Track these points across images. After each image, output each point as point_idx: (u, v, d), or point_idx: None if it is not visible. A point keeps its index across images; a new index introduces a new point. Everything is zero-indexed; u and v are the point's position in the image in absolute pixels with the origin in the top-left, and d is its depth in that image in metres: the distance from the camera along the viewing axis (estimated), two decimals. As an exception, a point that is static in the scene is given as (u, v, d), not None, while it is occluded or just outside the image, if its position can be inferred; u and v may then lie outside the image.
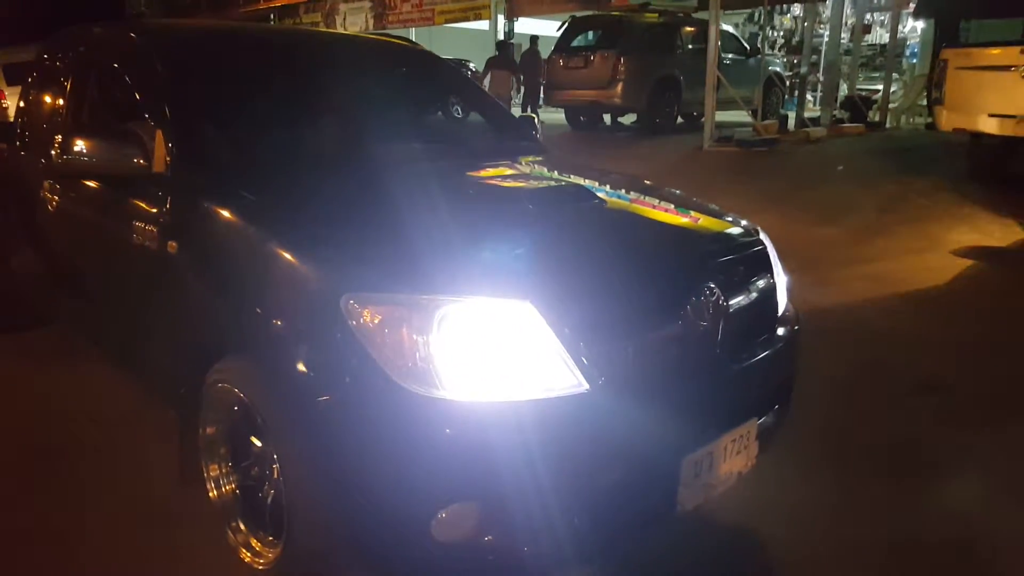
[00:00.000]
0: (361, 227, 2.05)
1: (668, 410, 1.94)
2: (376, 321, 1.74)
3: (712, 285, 2.10)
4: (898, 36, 15.73)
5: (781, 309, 2.45)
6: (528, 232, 2.15)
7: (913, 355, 3.94)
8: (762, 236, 2.51)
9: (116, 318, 2.80)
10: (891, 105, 13.87)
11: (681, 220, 2.41)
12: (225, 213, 2.17)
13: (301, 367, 1.83)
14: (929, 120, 8.69)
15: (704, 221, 2.46)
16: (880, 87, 14.49)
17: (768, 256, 2.46)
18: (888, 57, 14.88)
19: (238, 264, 2.08)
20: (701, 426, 2.04)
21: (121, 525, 2.42)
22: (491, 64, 13.16)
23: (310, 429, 1.81)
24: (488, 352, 1.72)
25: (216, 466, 2.27)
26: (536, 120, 3.67)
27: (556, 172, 2.81)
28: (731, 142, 10.74)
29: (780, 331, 2.41)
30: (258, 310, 1.96)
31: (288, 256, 1.94)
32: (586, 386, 1.77)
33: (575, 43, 13.56)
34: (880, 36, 19.87)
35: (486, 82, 12.56)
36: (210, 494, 2.26)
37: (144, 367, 2.67)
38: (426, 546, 1.72)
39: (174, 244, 2.26)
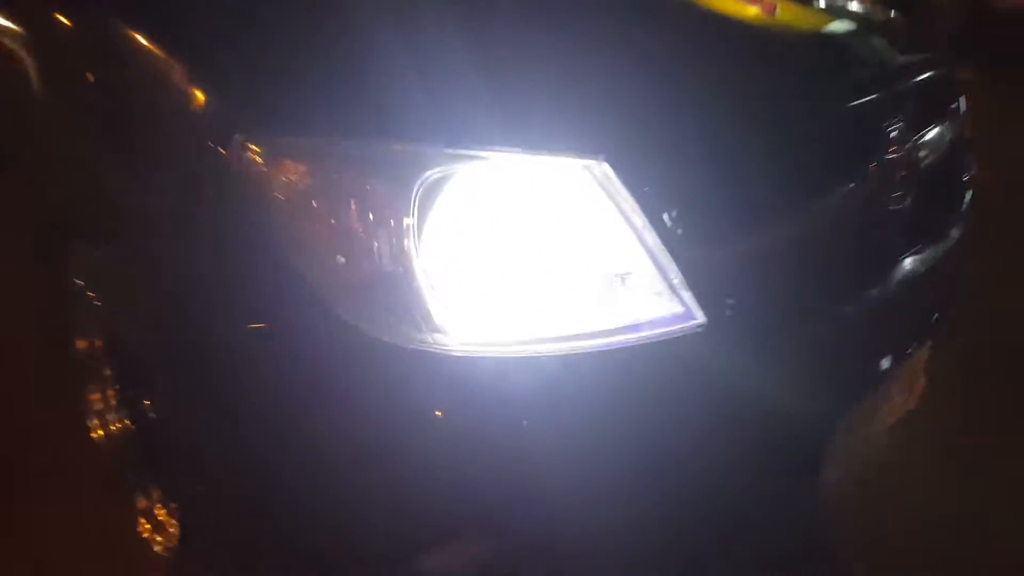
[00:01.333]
0: (302, 29, 1.10)
1: (830, 347, 1.11)
2: (298, 188, 0.88)
3: (901, 127, 1.22)
4: None
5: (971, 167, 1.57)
6: (599, 36, 1.20)
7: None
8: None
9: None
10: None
11: (841, 23, 1.48)
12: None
13: (169, 271, 1.00)
14: None
15: (868, 25, 1.53)
16: None
17: (955, 82, 1.56)
18: None
19: (78, 79, 1.19)
20: (869, 363, 1.23)
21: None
22: None
23: (187, 380, 1.01)
24: (519, 260, 0.87)
25: (99, 394, 1.50)
26: None
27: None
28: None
29: (968, 199, 1.54)
30: (105, 165, 1.10)
31: (158, 69, 1.05)
32: (700, 318, 0.93)
33: None
34: None
35: None
36: (94, 434, 1.51)
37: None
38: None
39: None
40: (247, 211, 0.89)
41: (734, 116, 1.03)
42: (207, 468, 1.06)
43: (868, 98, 1.21)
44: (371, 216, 0.86)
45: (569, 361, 0.87)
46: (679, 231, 0.92)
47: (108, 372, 1.47)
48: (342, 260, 0.86)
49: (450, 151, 0.84)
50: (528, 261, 0.87)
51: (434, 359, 0.84)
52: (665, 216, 0.91)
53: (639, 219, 0.89)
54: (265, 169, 0.89)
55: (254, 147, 0.90)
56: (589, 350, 0.88)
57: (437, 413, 0.85)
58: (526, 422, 0.86)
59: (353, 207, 0.87)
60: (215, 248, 0.93)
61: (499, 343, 0.86)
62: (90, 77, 1.18)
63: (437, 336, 0.84)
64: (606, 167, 0.87)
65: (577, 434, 0.88)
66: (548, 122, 0.90)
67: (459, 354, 0.84)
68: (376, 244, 0.85)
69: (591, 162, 0.87)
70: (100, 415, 1.50)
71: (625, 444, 0.89)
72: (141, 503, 1.44)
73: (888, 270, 1.22)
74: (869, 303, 1.18)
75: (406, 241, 0.84)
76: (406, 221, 0.84)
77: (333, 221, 0.87)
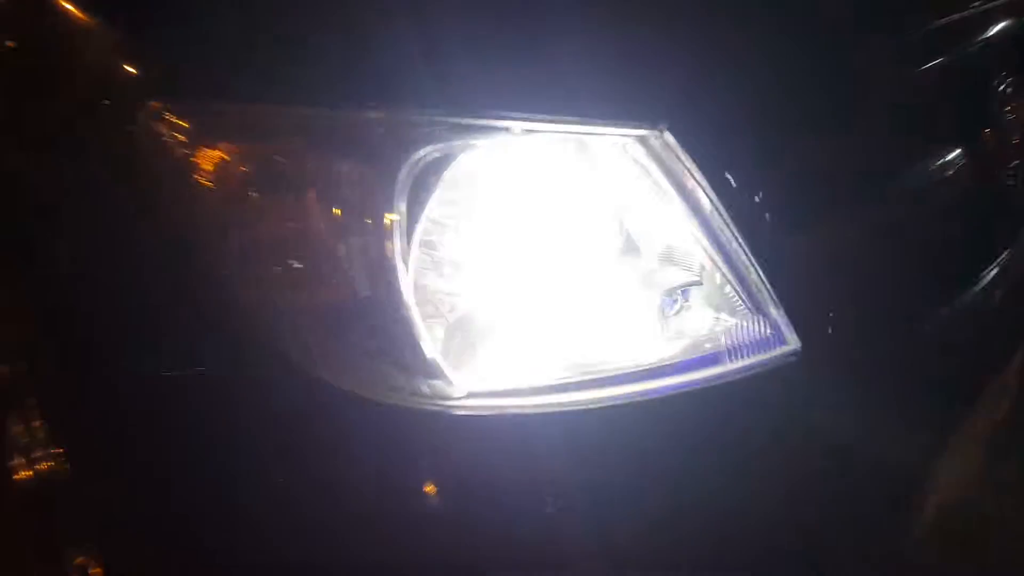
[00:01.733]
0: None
1: (942, 363, 0.86)
2: (235, 174, 0.63)
3: (1013, 80, 0.98)
4: None
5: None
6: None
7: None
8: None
9: None
10: None
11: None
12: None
13: (68, 286, 0.74)
14: None
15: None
16: None
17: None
18: None
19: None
20: (973, 376, 0.99)
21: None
22: None
23: (99, 431, 0.76)
24: (548, 273, 0.62)
25: (22, 426, 1.24)
26: None
27: None
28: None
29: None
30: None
31: (51, 11, 0.78)
32: (794, 342, 0.68)
33: None
34: None
35: None
36: (15, 476, 1.26)
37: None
38: None
39: None
40: (163, 206, 0.64)
41: (830, 74, 0.77)
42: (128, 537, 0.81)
43: (977, 45, 0.97)
44: (339, 213, 0.60)
45: (617, 414, 0.62)
46: (766, 223, 0.66)
47: (33, 400, 1.22)
48: (296, 276, 0.61)
49: (452, 120, 0.58)
50: (561, 273, 0.62)
51: (428, 419, 0.58)
52: (747, 203, 0.66)
53: (711, 207, 0.64)
54: (189, 148, 0.63)
55: (174, 117, 0.64)
56: (643, 396, 0.63)
57: (429, 493, 0.59)
58: (552, 507, 0.60)
59: (313, 200, 0.61)
60: (120, 259, 0.67)
61: (521, 392, 0.60)
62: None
63: (433, 385, 0.58)
64: (669, 139, 0.62)
65: (628, 516, 0.63)
66: (589, 80, 0.64)
67: (464, 412, 0.58)
68: (346, 253, 0.60)
69: (649, 133, 0.61)
70: (25, 451, 1.24)
71: (697, 531, 0.64)
72: (77, 559, 1.19)
73: (999, 260, 0.98)
74: (981, 305, 0.94)
75: (389, 247, 0.58)
76: (389, 219, 0.59)
77: (284, 220, 0.62)
